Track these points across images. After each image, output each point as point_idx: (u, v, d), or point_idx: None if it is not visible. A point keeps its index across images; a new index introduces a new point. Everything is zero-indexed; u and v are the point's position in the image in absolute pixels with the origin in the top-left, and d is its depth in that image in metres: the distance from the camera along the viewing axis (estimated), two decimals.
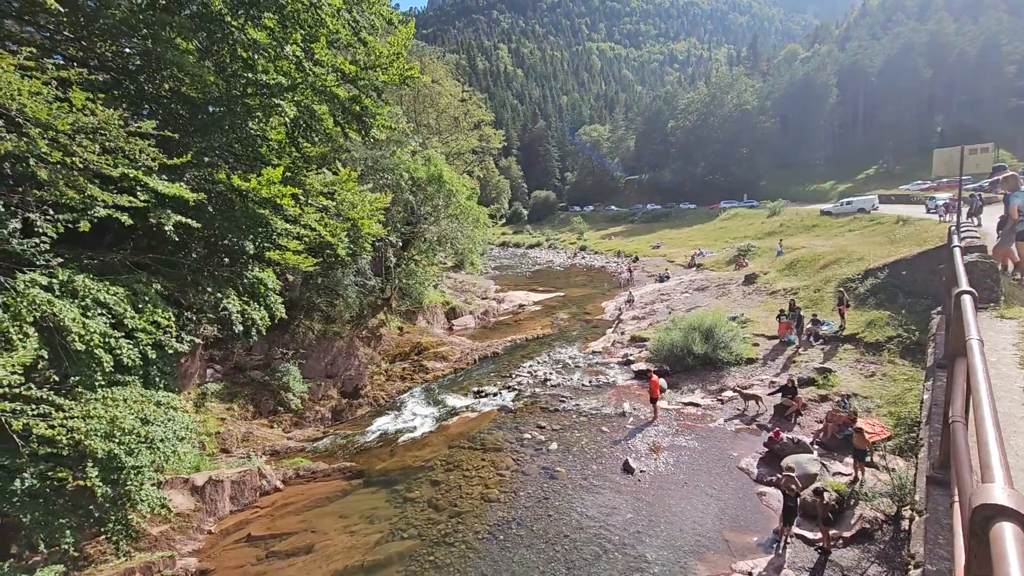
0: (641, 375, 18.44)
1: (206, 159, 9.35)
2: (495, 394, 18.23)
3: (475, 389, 18.80)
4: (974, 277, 7.08)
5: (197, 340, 12.40)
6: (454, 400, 18.06)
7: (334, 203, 11.65)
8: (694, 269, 42.20)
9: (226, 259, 10.33)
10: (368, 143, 14.56)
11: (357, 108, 9.04)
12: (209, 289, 9.81)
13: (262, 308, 10.85)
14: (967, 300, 2.49)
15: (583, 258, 63.27)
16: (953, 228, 6.85)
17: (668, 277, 39.18)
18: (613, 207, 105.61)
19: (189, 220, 8.17)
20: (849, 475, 10.88)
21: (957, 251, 4.37)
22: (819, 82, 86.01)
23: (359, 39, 8.83)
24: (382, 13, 9.25)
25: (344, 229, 11.70)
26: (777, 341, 19.34)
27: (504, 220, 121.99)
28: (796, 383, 14.81)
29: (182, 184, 8.03)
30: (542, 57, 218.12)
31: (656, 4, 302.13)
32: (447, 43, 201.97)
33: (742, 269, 35.17)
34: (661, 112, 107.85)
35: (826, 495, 9.30)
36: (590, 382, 18.86)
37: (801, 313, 19.61)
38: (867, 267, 21.07)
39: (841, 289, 20.05)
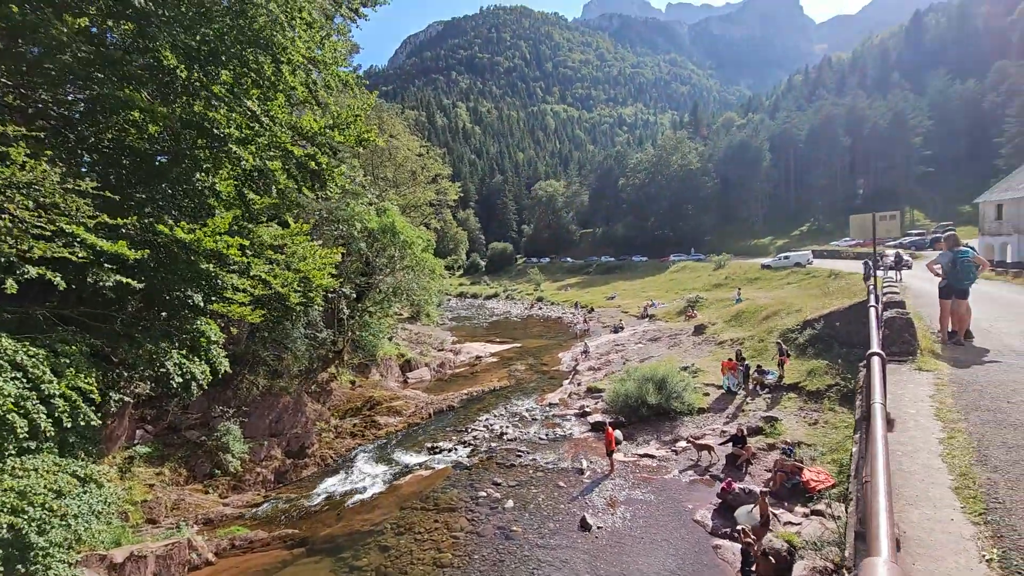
0: (597, 427, 18.40)
1: (148, 210, 9.07)
2: (450, 450, 17.70)
3: (429, 445, 18.21)
4: (893, 331, 7.63)
5: (127, 399, 11.59)
6: (407, 457, 17.40)
7: (283, 256, 11.44)
8: (647, 320, 43.26)
9: (163, 313, 9.86)
10: (323, 197, 14.56)
11: (312, 165, 9.09)
12: (146, 344, 9.27)
13: (203, 363, 10.31)
14: (875, 362, 2.69)
15: (540, 309, 63.88)
16: (871, 286, 7.46)
17: (622, 327, 39.96)
18: (569, 259, 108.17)
19: (130, 280, 7.80)
20: (799, 524, 11.04)
21: (872, 310, 4.71)
22: (754, 146, 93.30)
23: (315, 99, 9.01)
24: (339, 75, 9.50)
25: (295, 280, 11.45)
26: (725, 391, 19.86)
27: (462, 271, 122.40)
28: (745, 432, 15.14)
29: (123, 241, 7.72)
30: (499, 116, 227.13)
31: (605, 72, 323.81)
32: (407, 100, 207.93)
33: (692, 320, 36.34)
34: (612, 170, 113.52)
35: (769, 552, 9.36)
36: (547, 435, 18.64)
37: (747, 363, 20.33)
38: (805, 318, 22.23)
39: (779, 341, 21.01)
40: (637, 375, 20.04)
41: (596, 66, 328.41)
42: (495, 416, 21.16)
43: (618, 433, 17.22)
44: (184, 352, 9.80)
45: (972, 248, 9.79)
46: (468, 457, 16.95)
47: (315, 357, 21.11)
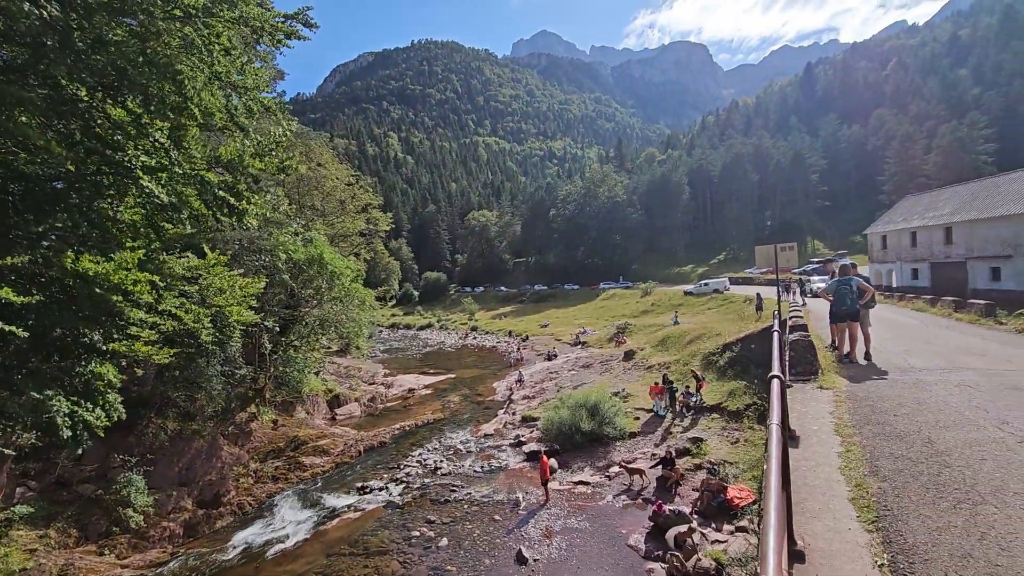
0: (533, 456, 18.34)
1: (45, 244, 8.22)
2: (381, 489, 16.95)
3: (359, 485, 17.36)
4: (797, 353, 8.30)
5: (7, 451, 10.23)
6: (335, 500, 16.46)
7: (198, 288, 10.70)
8: (579, 347, 44.17)
9: (56, 356, 8.87)
10: (243, 227, 13.87)
11: (229, 195, 8.64)
12: (30, 391, 8.25)
13: (98, 408, 9.30)
14: (775, 385, 2.89)
15: (474, 338, 63.58)
16: (775, 312, 8.17)
17: (556, 355, 40.52)
18: (503, 288, 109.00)
19: (13, 328, 6.95)
20: (726, 541, 11.45)
21: (775, 335, 5.09)
22: (674, 181, 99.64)
23: (237, 124, 8.66)
24: (261, 101, 9.21)
25: (208, 316, 10.70)
26: (654, 414, 20.52)
27: (394, 301, 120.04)
28: (674, 454, 15.66)
29: (7, 288, 6.91)
30: (431, 146, 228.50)
31: (535, 107, 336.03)
32: (336, 128, 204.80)
33: (621, 346, 37.51)
34: (543, 201, 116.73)
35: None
36: (482, 467, 18.33)
37: (675, 385, 21.18)
38: (724, 342, 23.60)
39: (693, 369, 22.13)
40: (570, 402, 20.29)
41: (526, 101, 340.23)
42: (429, 450, 20.59)
43: (553, 461, 17.25)
44: (76, 399, 8.82)
45: (861, 276, 10.96)
46: (400, 495, 16.30)
47: (233, 396, 19.72)
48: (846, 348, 10.18)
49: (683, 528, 11.92)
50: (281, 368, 22.45)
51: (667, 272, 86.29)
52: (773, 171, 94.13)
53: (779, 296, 17.27)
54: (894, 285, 41.85)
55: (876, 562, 2.94)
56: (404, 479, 17.53)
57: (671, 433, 18.64)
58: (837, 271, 10.63)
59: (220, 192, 8.75)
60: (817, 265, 60.03)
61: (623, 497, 14.99)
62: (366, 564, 12.37)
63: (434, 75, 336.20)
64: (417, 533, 13.68)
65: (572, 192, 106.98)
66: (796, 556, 2.95)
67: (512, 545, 12.74)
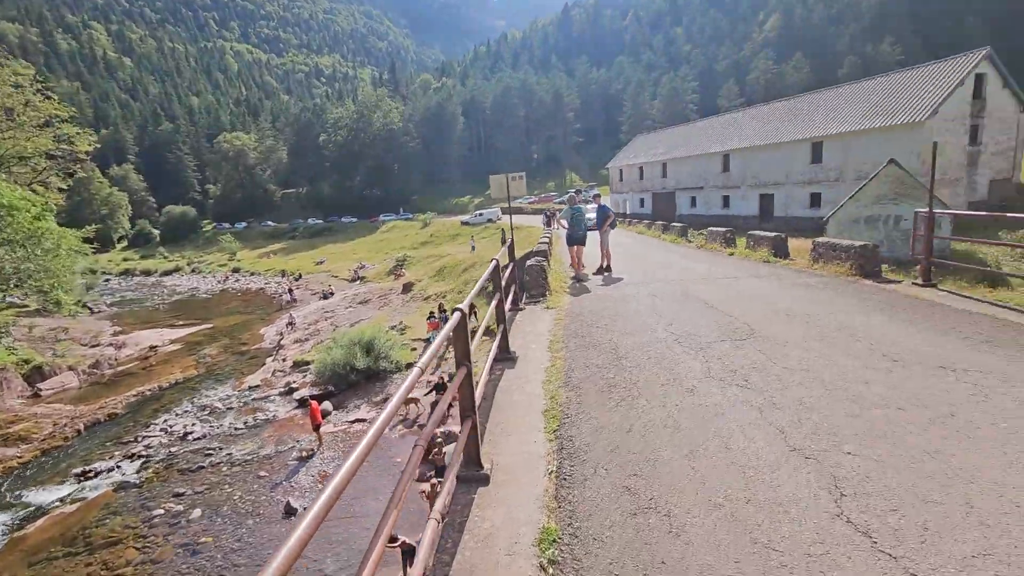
0: (305, 403, 17.40)
1: None
2: (111, 470, 14.20)
3: (79, 471, 14.23)
4: (532, 277, 9.23)
5: None
6: (41, 495, 13.26)
7: None
8: (358, 282, 42.78)
9: None
10: None
11: None
12: None
13: None
14: (456, 316, 2.91)
15: (237, 281, 56.31)
16: (510, 239, 8.92)
17: (332, 293, 38.54)
18: (270, 223, 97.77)
19: None
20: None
21: (493, 263, 5.39)
22: (449, 111, 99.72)
23: None
24: None
25: None
26: (428, 343, 21.23)
27: (126, 243, 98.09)
28: (446, 379, 16.51)
29: None
30: (159, 48, 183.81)
31: (295, 13, 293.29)
32: (4, 6, 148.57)
33: (400, 279, 37.50)
34: (312, 125, 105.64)
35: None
36: (245, 423, 16.72)
37: (447, 315, 22.07)
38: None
39: (433, 311, 23.14)
40: (344, 341, 19.58)
41: (284, 5, 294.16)
42: (177, 415, 17.90)
43: (327, 404, 16.67)
44: None
45: (605, 206, 12.65)
46: (137, 473, 13.92)
47: None
48: (580, 267, 11.81)
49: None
50: None
51: (446, 203, 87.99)
52: (537, 107, 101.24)
53: (545, 224, 19.02)
54: (628, 212, 50.07)
55: (548, 470, 3.35)
56: (143, 453, 14.97)
57: (445, 359, 19.57)
58: (567, 201, 12.19)
59: None
60: (571, 194, 68.39)
61: (399, 428, 15.35)
62: (89, 561, 10.38)
63: None
64: (161, 511, 11.94)
65: (344, 116, 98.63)
66: (480, 480, 3.18)
67: (279, 498, 12.08)
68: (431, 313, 21.89)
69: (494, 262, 5.68)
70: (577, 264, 11.95)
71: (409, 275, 37.88)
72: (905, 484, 2.95)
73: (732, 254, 14.36)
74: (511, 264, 8.45)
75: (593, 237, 12.25)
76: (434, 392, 16.13)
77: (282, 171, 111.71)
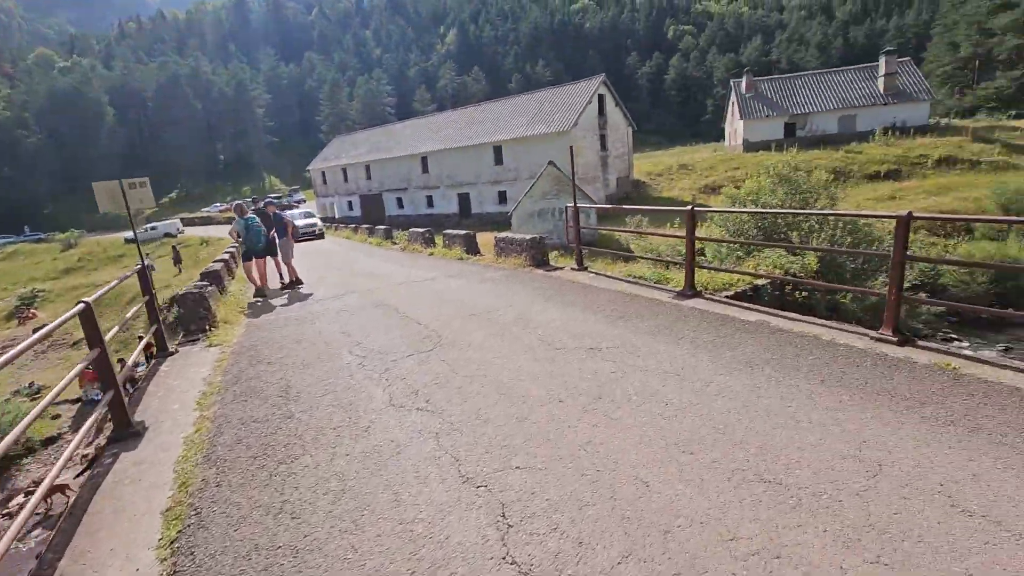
0: None
1: None
2: None
3: None
4: (188, 310, 7.33)
5: None
6: None
7: None
8: None
9: None
10: None
11: None
12: None
13: None
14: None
15: None
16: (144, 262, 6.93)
17: None
18: None
19: None
20: None
21: (81, 306, 3.80)
22: (90, 97, 78.30)
23: None
24: None
25: None
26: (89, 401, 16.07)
27: None
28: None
29: None
30: None
31: None
32: None
33: (29, 322, 27.64)
34: None
35: None
36: None
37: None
38: (172, 294, 20.62)
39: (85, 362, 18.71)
40: None
41: None
42: None
43: None
44: None
45: (279, 213, 11.06)
46: None
47: None
48: (259, 283, 10.22)
49: None
50: None
51: (100, 217, 69.06)
52: (218, 100, 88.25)
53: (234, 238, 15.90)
54: (336, 216, 47.95)
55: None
56: None
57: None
58: (235, 210, 10.48)
59: None
60: (276, 201, 61.87)
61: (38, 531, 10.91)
62: None
63: None
64: None
65: None
66: None
67: None
68: (88, 368, 16.45)
69: (81, 305, 3.99)
70: (261, 281, 10.28)
71: (44, 315, 28.23)
72: (565, 492, 2.90)
73: (432, 254, 14.66)
74: (148, 297, 6.46)
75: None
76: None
77: None
